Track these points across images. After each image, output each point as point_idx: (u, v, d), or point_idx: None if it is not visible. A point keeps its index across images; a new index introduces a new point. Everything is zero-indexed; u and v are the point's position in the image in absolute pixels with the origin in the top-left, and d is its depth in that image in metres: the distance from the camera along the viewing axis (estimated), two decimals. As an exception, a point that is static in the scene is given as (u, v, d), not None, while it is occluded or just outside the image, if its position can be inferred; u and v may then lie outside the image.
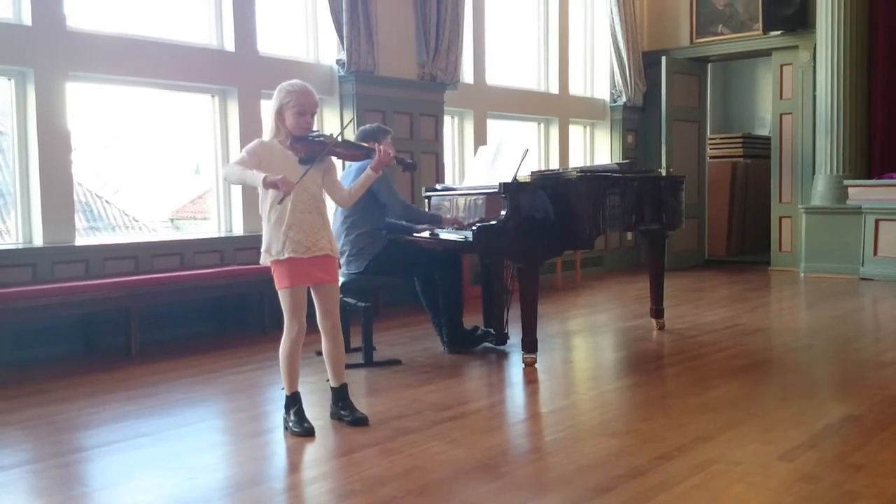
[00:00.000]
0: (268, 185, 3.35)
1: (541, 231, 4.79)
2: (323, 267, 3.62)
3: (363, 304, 4.98)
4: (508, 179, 4.79)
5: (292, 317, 3.59)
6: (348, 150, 3.84)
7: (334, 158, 3.80)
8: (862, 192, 8.94)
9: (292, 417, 3.64)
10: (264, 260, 3.62)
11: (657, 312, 6.04)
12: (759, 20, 9.74)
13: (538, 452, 3.44)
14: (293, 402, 3.66)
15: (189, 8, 6.70)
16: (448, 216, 5.44)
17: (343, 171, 5.49)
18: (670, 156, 9.98)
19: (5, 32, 5.43)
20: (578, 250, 8.61)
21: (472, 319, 5.73)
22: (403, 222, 5.37)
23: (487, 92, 8.83)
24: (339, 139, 3.69)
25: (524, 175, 4.98)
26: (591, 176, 5.16)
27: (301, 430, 3.59)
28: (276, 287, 3.61)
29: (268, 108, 3.64)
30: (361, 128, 5.44)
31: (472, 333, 5.43)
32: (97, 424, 3.88)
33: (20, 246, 5.60)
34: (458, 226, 5.16)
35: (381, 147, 3.78)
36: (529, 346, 4.90)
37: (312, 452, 3.44)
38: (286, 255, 3.53)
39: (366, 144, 3.95)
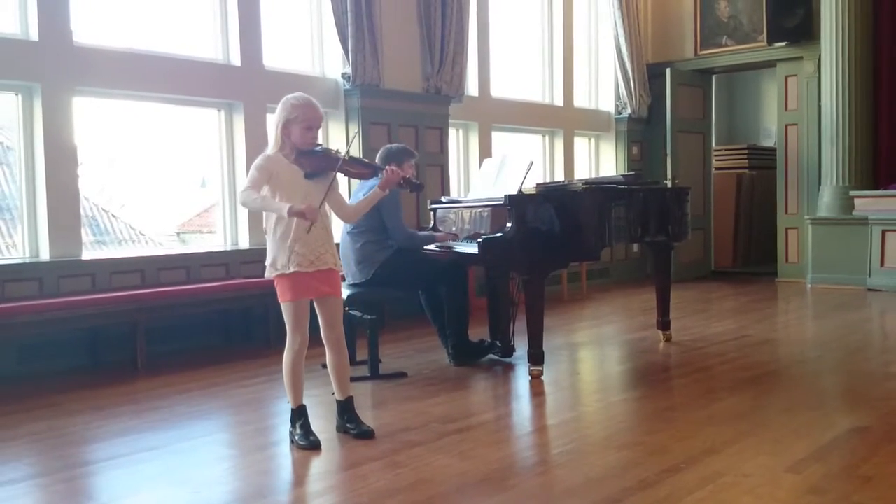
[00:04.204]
0: (293, 214, 3.38)
1: (546, 243, 4.78)
2: (327, 280, 3.63)
3: (369, 317, 4.98)
4: (514, 191, 4.79)
5: (295, 329, 3.61)
6: (355, 168, 3.80)
7: (341, 176, 3.80)
8: (868, 203, 8.92)
9: (298, 431, 3.64)
10: (269, 274, 3.63)
11: (663, 324, 6.02)
12: (763, 32, 9.74)
13: (545, 465, 3.42)
14: (299, 415, 3.66)
15: (195, 23, 6.74)
16: (453, 229, 5.44)
17: (357, 185, 5.43)
18: (676, 167, 9.96)
19: (12, 47, 5.48)
20: (584, 262, 8.61)
21: (478, 332, 5.73)
22: None
23: (492, 104, 8.85)
24: (347, 157, 3.66)
25: (529, 187, 4.98)
26: (597, 188, 5.15)
27: (307, 443, 3.59)
28: (280, 300, 3.62)
29: (271, 121, 3.64)
30: (387, 146, 5.41)
31: (478, 346, 5.42)
32: (103, 438, 3.88)
33: (27, 260, 5.61)
34: (454, 239, 5.19)
35: (390, 167, 3.82)
36: (535, 358, 4.88)
37: (318, 466, 3.44)
38: (291, 270, 3.54)
39: (367, 161, 3.94)
